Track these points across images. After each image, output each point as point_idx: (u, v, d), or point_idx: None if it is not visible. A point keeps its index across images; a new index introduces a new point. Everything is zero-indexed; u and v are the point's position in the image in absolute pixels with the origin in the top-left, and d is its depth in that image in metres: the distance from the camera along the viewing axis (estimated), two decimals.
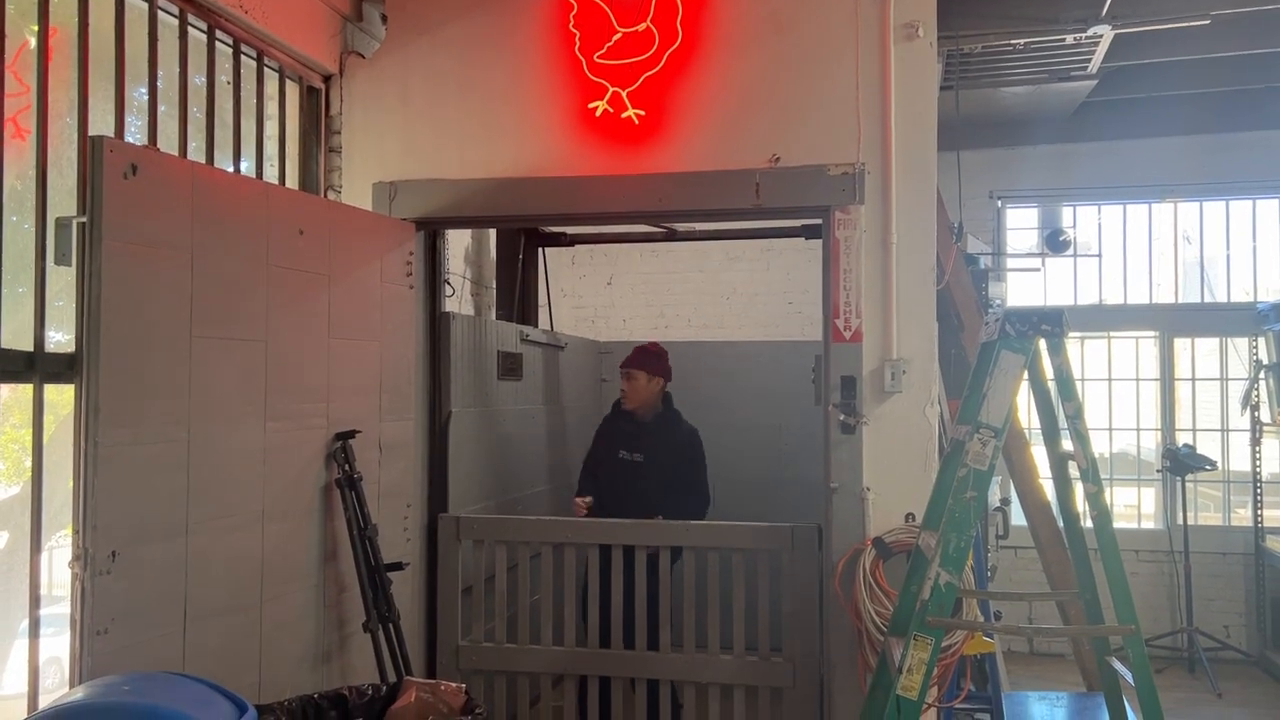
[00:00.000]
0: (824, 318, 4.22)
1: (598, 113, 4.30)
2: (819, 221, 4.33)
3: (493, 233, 5.66)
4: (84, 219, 2.84)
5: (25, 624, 5.22)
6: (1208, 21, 5.29)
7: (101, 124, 3.25)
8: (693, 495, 4.88)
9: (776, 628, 4.25)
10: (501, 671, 4.42)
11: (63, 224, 2.91)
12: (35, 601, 2.90)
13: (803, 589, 4.20)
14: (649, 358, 4.99)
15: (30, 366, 2.89)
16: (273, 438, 3.47)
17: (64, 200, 3.17)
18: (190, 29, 3.66)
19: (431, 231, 4.61)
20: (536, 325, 4.88)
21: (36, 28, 3.08)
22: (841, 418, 4.09)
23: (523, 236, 5.70)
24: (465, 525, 4.46)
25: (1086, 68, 6.08)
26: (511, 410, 4.90)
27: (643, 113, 4.27)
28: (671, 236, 5.03)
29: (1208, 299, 7.80)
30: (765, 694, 4.27)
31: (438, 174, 4.42)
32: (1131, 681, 3.06)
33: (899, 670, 3.07)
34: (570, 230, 5.61)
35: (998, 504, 5.85)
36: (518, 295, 5.36)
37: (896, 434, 4.07)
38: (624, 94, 4.29)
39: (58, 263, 2.91)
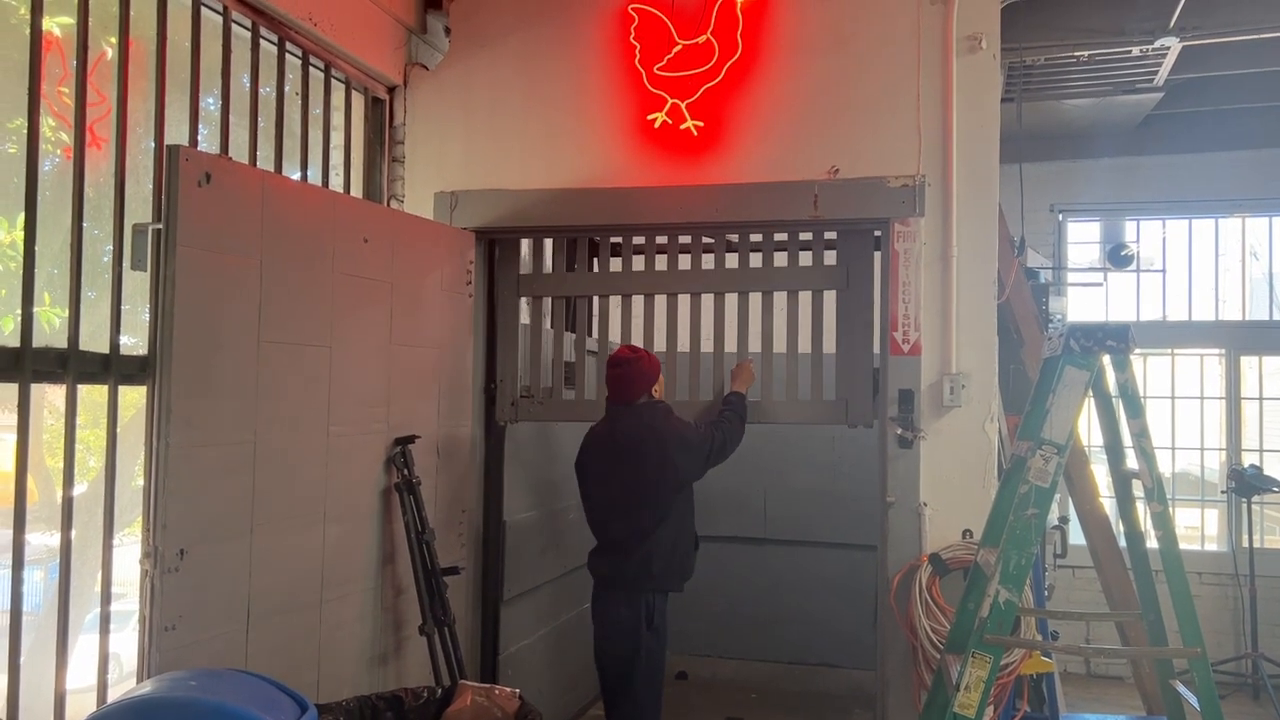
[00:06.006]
0: (881, 330, 4.20)
1: (657, 124, 4.33)
2: (877, 233, 4.31)
3: (549, 240, 5.70)
4: (159, 226, 2.92)
5: (88, 619, 5.37)
6: (1279, 34, 5.18)
7: (175, 133, 3.35)
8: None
9: None
10: None
11: (139, 230, 2.99)
12: (106, 598, 2.98)
13: None
14: None
15: (106, 369, 2.97)
16: (335, 441, 3.54)
17: (137, 207, 3.26)
18: (262, 41, 3.75)
19: (490, 240, 4.66)
20: (592, 334, 4.91)
21: (115, 39, 3.18)
22: (899, 431, 4.06)
23: (581, 245, 5.74)
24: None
25: (1153, 80, 5.98)
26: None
27: (701, 124, 4.29)
28: (730, 249, 5.01)
29: (1276, 316, 7.61)
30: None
31: (498, 184, 4.47)
32: (1196, 706, 3.00)
33: (956, 688, 3.04)
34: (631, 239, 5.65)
35: (1056, 522, 5.76)
36: (573, 304, 5.39)
37: (954, 449, 4.03)
38: (683, 106, 4.31)
39: (134, 268, 3.00)
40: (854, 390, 4.35)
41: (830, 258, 4.45)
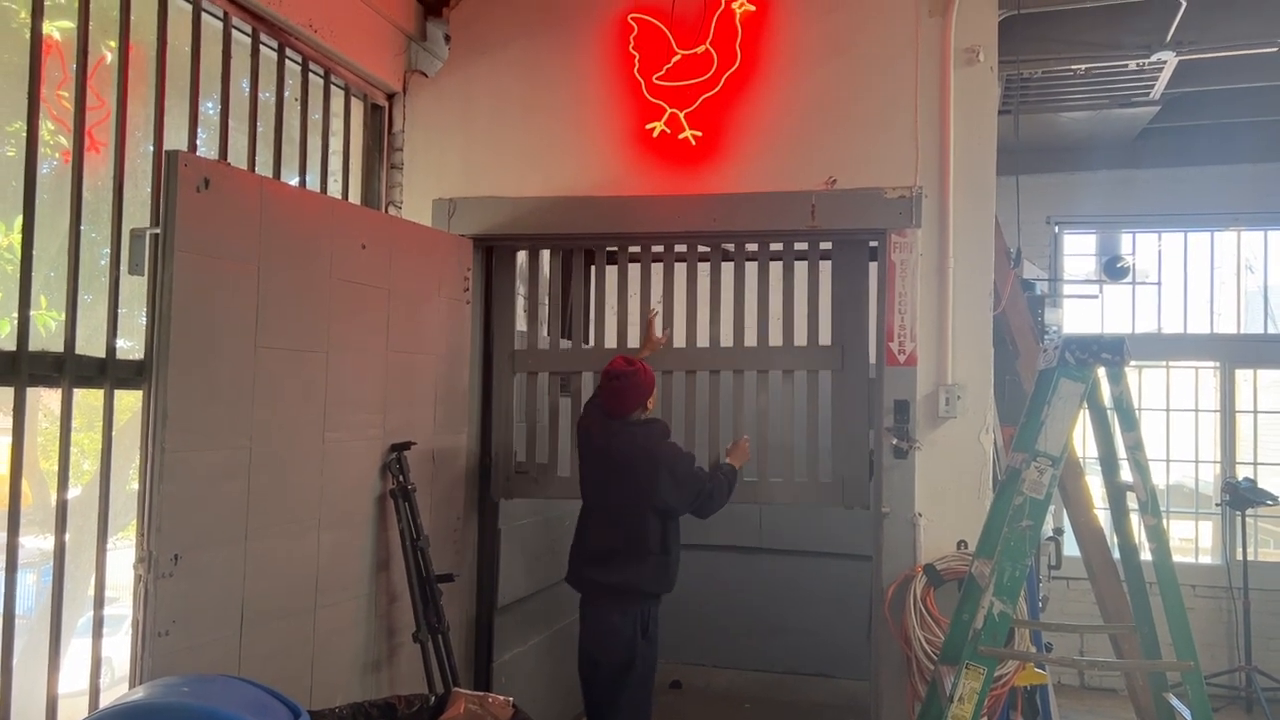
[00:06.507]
0: (878, 341, 4.21)
1: (655, 133, 4.34)
2: (873, 244, 4.32)
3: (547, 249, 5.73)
4: (157, 230, 2.92)
5: (80, 623, 5.35)
6: (1275, 49, 5.20)
7: (174, 138, 3.35)
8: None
9: None
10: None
11: (137, 235, 2.99)
12: (100, 602, 2.97)
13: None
14: None
15: (102, 372, 2.97)
16: (331, 447, 3.54)
17: (134, 211, 3.26)
18: (262, 47, 3.76)
19: (488, 248, 4.67)
20: (589, 342, 4.91)
21: (114, 44, 3.19)
22: (894, 442, 4.06)
23: (578, 253, 5.75)
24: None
25: (1149, 94, 6.00)
26: (564, 426, 4.93)
27: (700, 134, 4.31)
28: (726, 258, 5.01)
29: (1271, 330, 7.63)
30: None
31: (496, 192, 4.48)
32: (1190, 719, 3.00)
33: (950, 699, 3.04)
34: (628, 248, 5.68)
35: (1050, 534, 5.76)
36: (571, 311, 5.41)
37: (950, 460, 4.03)
38: (682, 115, 4.32)
39: (131, 272, 3.00)
40: (850, 470, 4.34)
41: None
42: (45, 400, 5.96)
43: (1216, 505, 7.25)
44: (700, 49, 4.31)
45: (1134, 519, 3.29)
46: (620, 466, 4.05)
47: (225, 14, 3.55)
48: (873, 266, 4.35)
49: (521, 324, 4.84)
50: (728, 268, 4.58)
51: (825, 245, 4.45)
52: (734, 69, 4.27)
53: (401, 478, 3.86)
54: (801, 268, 4.48)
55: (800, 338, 4.48)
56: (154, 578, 2.79)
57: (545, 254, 5.09)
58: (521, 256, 4.85)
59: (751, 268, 4.52)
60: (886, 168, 4.14)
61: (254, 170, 3.65)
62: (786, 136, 4.24)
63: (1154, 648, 3.26)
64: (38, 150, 2.82)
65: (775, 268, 4.51)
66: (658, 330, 4.48)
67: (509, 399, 4.69)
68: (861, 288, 4.38)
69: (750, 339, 4.54)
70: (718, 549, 6.37)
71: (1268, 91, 6.34)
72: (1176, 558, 3.16)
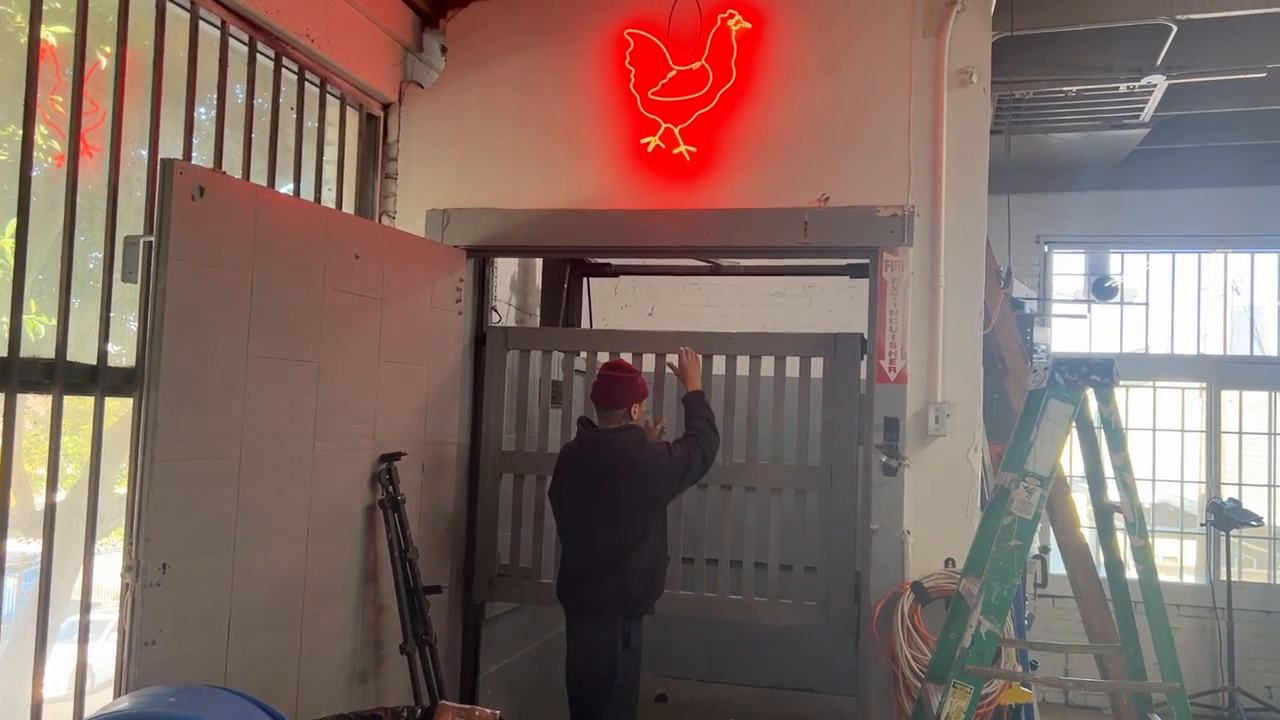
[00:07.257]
0: (868, 358, 4.22)
1: (649, 148, 4.36)
2: (865, 261, 4.35)
3: (539, 260, 5.74)
4: (151, 238, 2.92)
5: (63, 628, 5.31)
6: (1264, 75, 5.27)
7: (169, 145, 3.34)
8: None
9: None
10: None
11: (131, 242, 2.99)
12: (86, 607, 2.96)
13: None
14: None
15: (93, 380, 2.96)
16: (321, 457, 3.53)
17: (128, 217, 3.25)
18: (259, 55, 3.76)
19: (481, 259, 4.67)
20: (579, 353, 4.92)
21: (110, 49, 3.19)
22: (884, 459, 4.07)
23: (568, 265, 5.78)
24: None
25: (1139, 116, 6.06)
26: (554, 437, 4.92)
27: (694, 149, 4.32)
28: (715, 271, 5.03)
29: (1257, 352, 7.70)
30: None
31: (490, 203, 4.49)
32: None
33: (936, 718, 3.05)
34: (615, 261, 5.69)
35: (1037, 552, 5.78)
36: (561, 323, 5.42)
37: (939, 478, 4.04)
38: (676, 130, 4.34)
39: (124, 280, 2.99)
40: (835, 594, 4.26)
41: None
42: (31, 404, 5.92)
43: (1201, 525, 7.29)
44: (696, 65, 4.33)
45: (1120, 538, 3.31)
46: (601, 475, 3.94)
47: (223, 22, 3.55)
48: (864, 284, 4.37)
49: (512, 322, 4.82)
50: (720, 364, 4.53)
51: (817, 359, 4.40)
52: (729, 85, 4.29)
53: (391, 488, 3.85)
54: (792, 383, 4.43)
55: (790, 456, 4.43)
56: (141, 586, 2.77)
57: (538, 264, 5.10)
58: (514, 267, 4.85)
59: (744, 380, 4.49)
60: (879, 186, 4.16)
61: (248, 178, 3.64)
62: (780, 153, 4.26)
63: (1139, 668, 3.28)
64: (32, 155, 2.82)
65: (767, 383, 4.47)
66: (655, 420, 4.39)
67: (495, 499, 4.64)
68: (850, 406, 4.29)
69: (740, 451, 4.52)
70: (706, 562, 6.36)
71: (1255, 116, 6.42)
72: (1161, 576, 3.17)
